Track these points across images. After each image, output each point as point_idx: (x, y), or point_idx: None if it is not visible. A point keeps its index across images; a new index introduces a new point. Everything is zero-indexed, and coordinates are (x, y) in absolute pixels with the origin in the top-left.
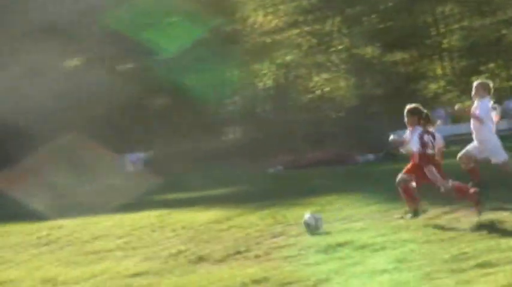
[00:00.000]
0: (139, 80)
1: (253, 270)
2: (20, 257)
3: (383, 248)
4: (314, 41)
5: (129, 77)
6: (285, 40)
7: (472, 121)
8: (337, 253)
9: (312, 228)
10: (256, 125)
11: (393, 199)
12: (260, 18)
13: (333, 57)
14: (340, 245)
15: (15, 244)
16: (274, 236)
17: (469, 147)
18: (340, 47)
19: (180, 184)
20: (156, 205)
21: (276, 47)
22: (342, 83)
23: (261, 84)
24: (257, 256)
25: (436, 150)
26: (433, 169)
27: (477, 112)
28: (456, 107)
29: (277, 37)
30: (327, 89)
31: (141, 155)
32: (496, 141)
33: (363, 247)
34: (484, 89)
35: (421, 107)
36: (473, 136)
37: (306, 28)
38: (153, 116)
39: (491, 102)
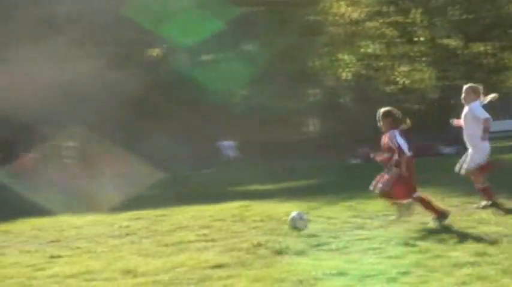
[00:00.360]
0: (221, 70)
1: (333, 263)
2: (100, 247)
3: (463, 241)
4: (396, 32)
5: (211, 68)
6: (367, 31)
7: (467, 126)
8: (417, 246)
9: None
10: (337, 117)
11: (473, 192)
12: (342, 9)
13: (415, 49)
14: (420, 238)
15: (96, 234)
16: (355, 229)
17: (472, 165)
18: (422, 39)
19: (261, 175)
20: (238, 196)
21: (357, 37)
22: (424, 75)
23: (342, 75)
24: (337, 249)
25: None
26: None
27: (482, 117)
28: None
29: (359, 28)
30: (408, 81)
31: (232, 143)
32: (485, 148)
33: (443, 240)
34: (474, 92)
35: (394, 110)
36: (466, 139)
37: (388, 19)
38: (235, 105)
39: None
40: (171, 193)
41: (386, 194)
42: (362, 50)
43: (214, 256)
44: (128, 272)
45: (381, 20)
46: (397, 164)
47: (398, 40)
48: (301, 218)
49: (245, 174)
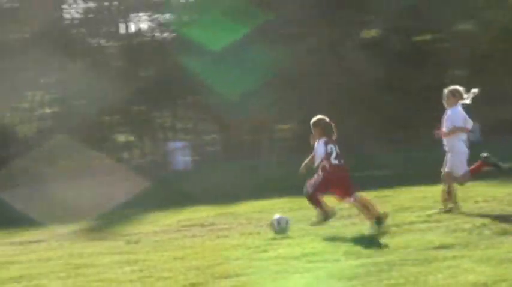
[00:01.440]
0: (437, 52)
1: None
2: (322, 229)
3: None
4: None
5: (426, 49)
6: None
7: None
8: None
9: (280, 229)
10: None
11: None
12: None
13: None
14: None
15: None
16: None
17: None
18: None
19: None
20: None
21: None
22: None
23: None
24: None
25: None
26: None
27: (448, 125)
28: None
29: None
30: None
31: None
32: (462, 153)
33: None
34: (453, 96)
35: (323, 119)
36: (444, 143)
37: None
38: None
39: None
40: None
41: (310, 197)
42: None
43: (438, 237)
44: (351, 254)
45: None
46: (322, 169)
47: None
48: (279, 221)
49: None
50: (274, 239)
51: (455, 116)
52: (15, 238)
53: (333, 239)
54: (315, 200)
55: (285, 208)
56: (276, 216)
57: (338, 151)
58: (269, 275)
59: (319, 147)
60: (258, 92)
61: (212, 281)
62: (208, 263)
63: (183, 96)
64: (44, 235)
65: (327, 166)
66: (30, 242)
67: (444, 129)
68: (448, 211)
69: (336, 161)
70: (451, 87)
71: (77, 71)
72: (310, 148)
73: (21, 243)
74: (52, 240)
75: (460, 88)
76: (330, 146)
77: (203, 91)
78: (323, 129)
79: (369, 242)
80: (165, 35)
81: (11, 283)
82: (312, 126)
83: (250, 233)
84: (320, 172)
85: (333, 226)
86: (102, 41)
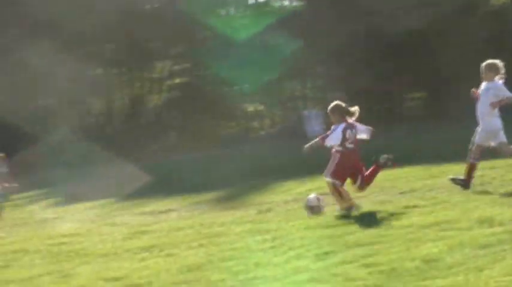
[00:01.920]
0: None
1: None
2: (455, 198)
3: None
4: None
5: None
6: None
7: (482, 102)
8: None
9: (316, 210)
10: None
11: None
12: None
13: None
14: None
15: (449, 184)
16: None
17: (476, 139)
18: None
19: None
20: None
21: None
22: None
23: None
24: None
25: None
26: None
27: (490, 97)
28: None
29: None
30: None
31: None
32: (498, 124)
33: None
34: (490, 70)
35: (340, 104)
36: (478, 114)
37: None
38: None
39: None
40: None
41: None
42: None
43: None
44: (484, 222)
45: None
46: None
47: None
48: (318, 200)
49: None
50: (406, 207)
51: (496, 88)
52: (146, 207)
53: (465, 207)
54: (338, 193)
55: (417, 176)
56: (313, 195)
57: (356, 133)
58: (402, 243)
59: (338, 130)
60: (387, 61)
61: (345, 249)
62: (340, 232)
63: (312, 66)
64: (174, 205)
65: (342, 150)
66: (160, 212)
67: (483, 99)
68: None
69: (351, 146)
70: (488, 61)
71: (205, 41)
72: (440, 117)
73: (152, 213)
74: (182, 210)
75: (498, 62)
76: (349, 132)
77: (331, 60)
78: (341, 114)
79: (502, 210)
80: (295, 4)
81: (142, 252)
82: (329, 113)
83: (383, 202)
84: (335, 158)
85: (465, 194)
86: (232, 11)
